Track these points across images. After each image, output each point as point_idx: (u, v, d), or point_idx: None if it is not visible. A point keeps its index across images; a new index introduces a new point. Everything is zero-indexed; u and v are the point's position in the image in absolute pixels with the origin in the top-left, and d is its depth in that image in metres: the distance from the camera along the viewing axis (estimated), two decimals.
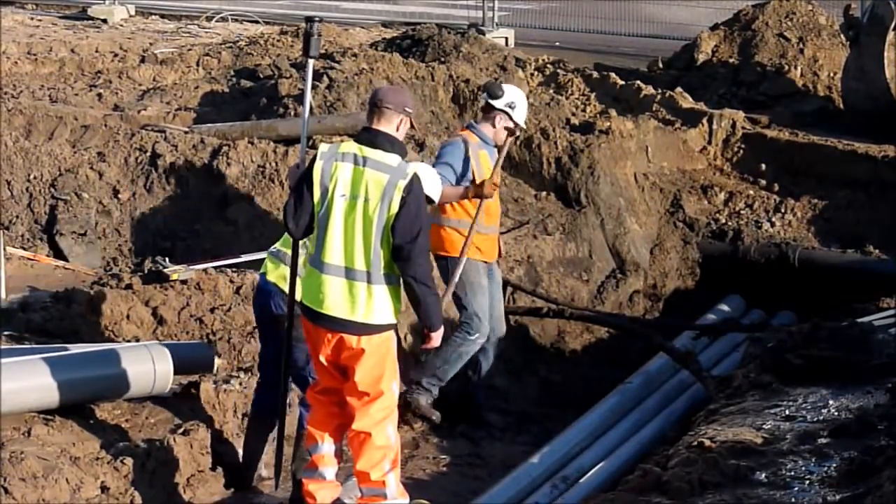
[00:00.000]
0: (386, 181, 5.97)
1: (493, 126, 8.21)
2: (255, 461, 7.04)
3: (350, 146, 6.11)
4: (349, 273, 6.01)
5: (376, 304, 6.02)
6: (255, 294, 7.08)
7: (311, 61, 6.65)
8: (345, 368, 6.16)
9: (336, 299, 6.03)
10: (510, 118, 8.18)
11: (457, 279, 8.02)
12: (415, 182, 6.01)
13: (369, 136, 6.11)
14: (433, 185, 6.74)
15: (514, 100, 8.22)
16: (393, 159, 6.03)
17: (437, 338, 6.24)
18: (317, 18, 6.60)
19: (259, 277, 7.02)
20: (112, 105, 11.64)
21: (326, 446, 6.34)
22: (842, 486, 5.59)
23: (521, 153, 11.30)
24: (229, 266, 8.82)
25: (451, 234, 8.12)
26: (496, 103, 8.16)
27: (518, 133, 8.72)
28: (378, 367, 6.09)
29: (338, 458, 6.41)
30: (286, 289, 6.56)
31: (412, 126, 6.30)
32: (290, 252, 6.52)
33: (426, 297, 6.08)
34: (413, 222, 5.98)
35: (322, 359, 6.18)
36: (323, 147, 6.20)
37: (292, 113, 11.08)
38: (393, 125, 6.13)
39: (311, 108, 10.93)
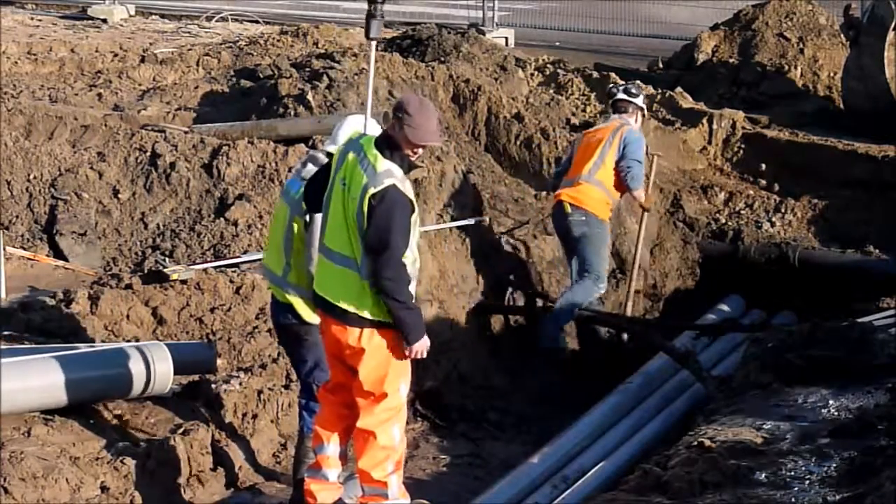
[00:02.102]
0: (363, 184, 5.90)
1: (636, 120, 9.76)
2: None
3: (367, 140, 6.10)
4: (344, 260, 5.98)
5: (368, 297, 5.94)
6: None
7: (373, 43, 6.57)
8: (350, 365, 6.15)
9: (330, 282, 6.03)
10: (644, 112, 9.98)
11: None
12: (388, 194, 5.84)
13: (378, 138, 6.11)
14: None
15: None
16: (382, 164, 5.93)
17: (416, 350, 6.05)
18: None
19: None
20: (112, 105, 11.63)
21: (332, 447, 6.31)
22: (842, 486, 5.58)
23: (521, 153, 11.29)
24: (229, 266, 8.82)
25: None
26: (638, 101, 9.75)
27: None
28: (381, 368, 6.04)
29: (342, 461, 6.39)
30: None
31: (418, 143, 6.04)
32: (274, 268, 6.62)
33: (397, 311, 5.92)
34: (381, 234, 5.83)
35: (330, 351, 6.19)
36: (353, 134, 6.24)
37: (292, 113, 11.07)
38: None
39: (312, 108, 11.03)
